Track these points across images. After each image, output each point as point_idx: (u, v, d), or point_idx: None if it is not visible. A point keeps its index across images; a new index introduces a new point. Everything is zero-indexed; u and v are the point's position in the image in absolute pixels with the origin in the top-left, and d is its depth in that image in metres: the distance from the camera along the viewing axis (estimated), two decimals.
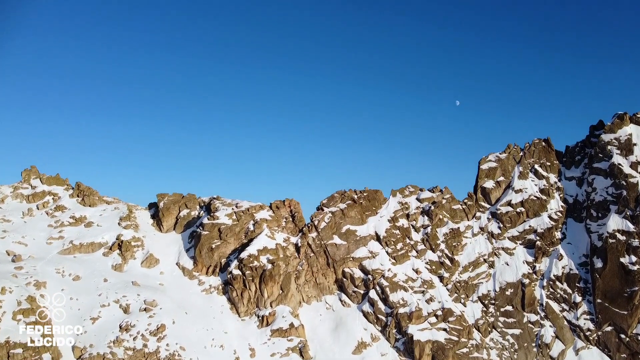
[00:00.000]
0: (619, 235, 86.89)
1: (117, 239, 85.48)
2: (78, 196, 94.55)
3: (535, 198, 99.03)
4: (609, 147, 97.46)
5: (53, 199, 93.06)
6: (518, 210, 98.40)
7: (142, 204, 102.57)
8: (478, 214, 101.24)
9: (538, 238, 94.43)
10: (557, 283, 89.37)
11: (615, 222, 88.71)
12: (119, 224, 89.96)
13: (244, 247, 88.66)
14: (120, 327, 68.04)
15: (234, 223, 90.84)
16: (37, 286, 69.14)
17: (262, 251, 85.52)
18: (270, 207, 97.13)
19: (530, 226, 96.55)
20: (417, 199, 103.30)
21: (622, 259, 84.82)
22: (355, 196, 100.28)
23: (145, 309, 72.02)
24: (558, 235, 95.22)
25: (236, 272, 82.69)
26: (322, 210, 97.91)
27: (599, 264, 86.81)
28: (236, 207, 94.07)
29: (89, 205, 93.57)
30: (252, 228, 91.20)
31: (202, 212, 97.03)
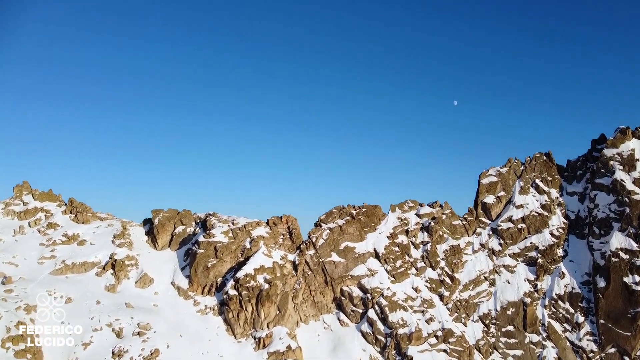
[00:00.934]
0: (622, 254, 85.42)
1: (110, 258, 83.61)
2: (71, 213, 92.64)
3: (536, 214, 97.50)
4: (612, 162, 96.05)
5: (45, 215, 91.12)
6: (519, 226, 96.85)
7: (137, 219, 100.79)
8: (478, 229, 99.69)
9: (539, 255, 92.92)
10: (559, 302, 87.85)
11: (618, 240, 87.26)
12: (112, 241, 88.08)
13: (240, 265, 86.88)
14: (112, 352, 66.15)
15: (230, 241, 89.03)
16: (28, 310, 67.19)
17: (259, 270, 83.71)
18: (267, 223, 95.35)
19: (531, 243, 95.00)
20: (417, 215, 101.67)
21: (625, 279, 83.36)
22: (354, 212, 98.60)
23: (138, 333, 70.16)
24: (560, 252, 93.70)
25: (232, 292, 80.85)
26: (320, 226, 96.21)
27: (601, 283, 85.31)
28: (232, 223, 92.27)
29: (82, 222, 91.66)
30: (248, 246, 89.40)
31: (197, 228, 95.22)
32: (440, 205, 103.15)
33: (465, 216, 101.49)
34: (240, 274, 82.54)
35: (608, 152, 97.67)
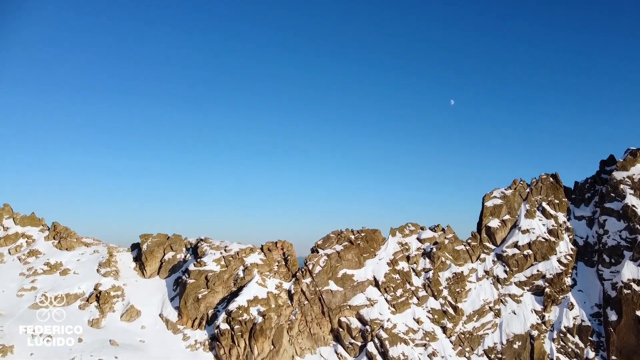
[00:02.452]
0: (634, 286, 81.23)
1: (95, 289, 78.87)
2: (54, 238, 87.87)
3: (543, 239, 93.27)
4: (622, 186, 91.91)
5: (27, 242, 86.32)
6: (525, 252, 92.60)
7: (124, 242, 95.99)
8: (482, 255, 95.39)
9: (547, 284, 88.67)
10: (568, 335, 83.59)
11: (630, 271, 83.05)
12: (97, 270, 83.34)
13: (233, 296, 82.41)
14: None
15: (223, 269, 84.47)
16: (3, 352, 62.64)
17: (253, 302, 79.23)
18: (262, 249, 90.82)
19: (538, 271, 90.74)
20: (418, 239, 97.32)
21: (638, 312, 79.16)
22: (352, 236, 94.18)
23: None
24: (568, 281, 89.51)
25: (224, 326, 76.25)
26: (317, 252, 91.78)
27: (613, 316, 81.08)
28: (225, 250, 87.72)
29: (66, 249, 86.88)
30: (241, 275, 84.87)
31: (188, 255, 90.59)
32: (443, 229, 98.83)
33: (469, 241, 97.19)
34: (232, 307, 77.99)
35: (618, 175, 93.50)
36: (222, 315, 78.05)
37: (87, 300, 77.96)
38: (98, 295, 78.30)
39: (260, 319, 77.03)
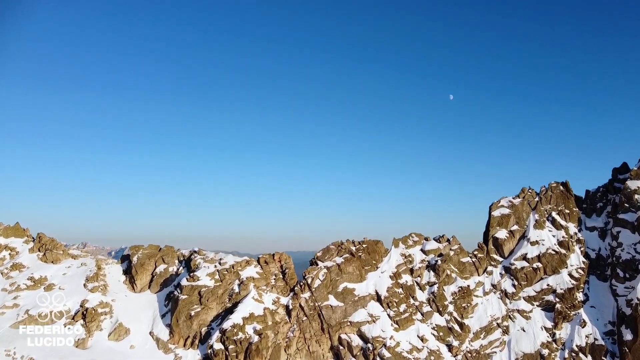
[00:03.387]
0: None
1: (81, 306, 74.43)
2: (39, 250, 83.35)
3: (553, 252, 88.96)
4: (637, 196, 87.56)
5: (10, 254, 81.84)
6: (534, 265, 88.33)
7: (115, 242, 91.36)
8: (490, 268, 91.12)
9: (558, 300, 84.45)
10: (581, 355, 79.42)
11: None
12: (85, 285, 78.89)
13: (227, 312, 78.12)
14: None
15: (217, 284, 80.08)
16: None
17: (248, 319, 74.90)
18: (258, 261, 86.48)
19: (548, 285, 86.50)
20: (422, 250, 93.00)
21: None
22: (354, 248, 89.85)
23: None
24: (580, 296, 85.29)
25: (218, 346, 71.91)
26: (316, 264, 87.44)
27: (628, 335, 76.91)
28: (219, 263, 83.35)
29: (52, 262, 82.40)
30: (237, 290, 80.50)
31: (181, 268, 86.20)
32: (448, 240, 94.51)
33: (475, 252, 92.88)
34: (227, 325, 73.63)
35: (632, 184, 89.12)
36: (216, 334, 73.76)
37: (73, 318, 73.51)
38: (84, 312, 73.90)
39: (256, 338, 72.79)
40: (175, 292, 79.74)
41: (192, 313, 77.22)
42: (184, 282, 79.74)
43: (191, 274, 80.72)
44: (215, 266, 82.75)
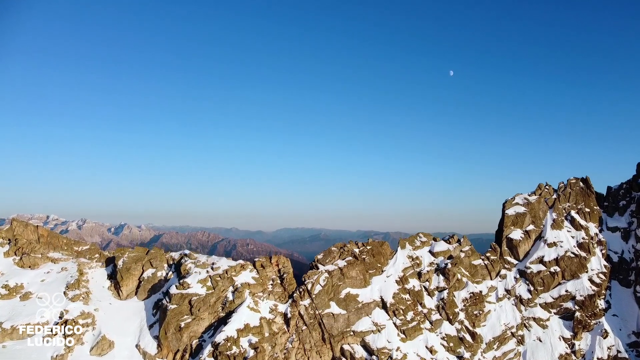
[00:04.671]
0: None
1: (60, 317, 68.06)
2: (16, 254, 76.72)
3: (572, 255, 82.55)
4: None
5: None
6: (552, 269, 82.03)
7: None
8: (503, 271, 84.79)
9: (577, 307, 78.35)
10: None
11: None
12: (65, 293, 72.39)
13: (220, 323, 72.06)
14: None
15: (209, 292, 73.75)
16: None
17: (243, 331, 68.88)
18: (254, 265, 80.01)
19: (567, 291, 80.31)
20: (430, 252, 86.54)
21: None
22: (357, 250, 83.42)
23: None
24: (601, 304, 79.16)
25: None
26: (317, 268, 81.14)
27: None
28: (212, 268, 76.92)
29: (29, 267, 75.86)
30: (231, 297, 74.26)
31: (170, 272, 79.74)
32: (458, 240, 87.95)
33: (488, 254, 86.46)
34: (219, 338, 67.56)
35: None
36: (208, 348, 67.66)
37: (51, 331, 67.18)
38: (64, 324, 67.58)
39: (251, 353, 66.87)
40: (164, 301, 73.41)
41: (182, 324, 71.02)
42: (173, 290, 73.36)
43: (181, 281, 74.32)
44: (207, 271, 76.34)
